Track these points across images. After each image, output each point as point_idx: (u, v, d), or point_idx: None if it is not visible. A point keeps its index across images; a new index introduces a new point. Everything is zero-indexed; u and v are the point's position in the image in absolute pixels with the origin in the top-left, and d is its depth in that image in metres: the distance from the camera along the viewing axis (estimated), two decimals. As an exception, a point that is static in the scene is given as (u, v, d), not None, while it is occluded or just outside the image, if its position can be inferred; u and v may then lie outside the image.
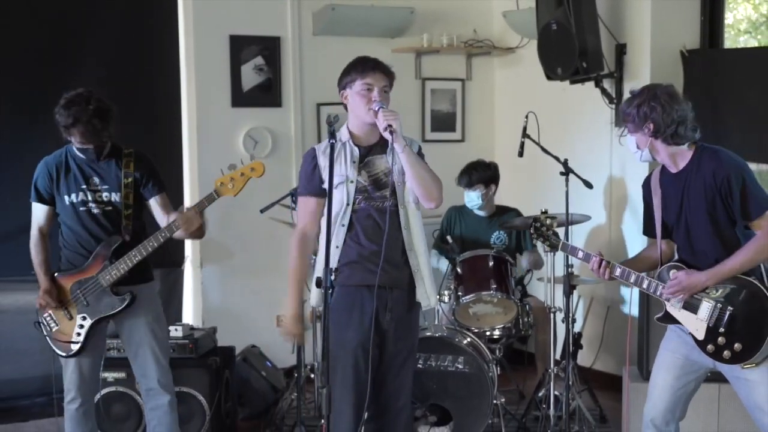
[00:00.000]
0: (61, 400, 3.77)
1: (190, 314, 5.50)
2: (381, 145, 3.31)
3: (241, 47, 5.47)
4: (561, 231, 4.47)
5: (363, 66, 3.26)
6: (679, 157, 3.21)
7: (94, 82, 4.40)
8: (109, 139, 3.66)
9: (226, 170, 3.62)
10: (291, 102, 5.61)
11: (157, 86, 5.32)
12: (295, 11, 5.60)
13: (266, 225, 4.63)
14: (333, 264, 3.03)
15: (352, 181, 3.25)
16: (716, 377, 3.36)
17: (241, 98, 5.50)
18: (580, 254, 3.44)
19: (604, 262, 3.32)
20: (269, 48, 5.54)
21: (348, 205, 3.24)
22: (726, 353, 3.11)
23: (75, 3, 5.12)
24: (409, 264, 3.32)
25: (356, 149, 3.29)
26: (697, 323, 3.17)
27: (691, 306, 3.19)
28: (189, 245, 5.37)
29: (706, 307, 3.16)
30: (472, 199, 5.04)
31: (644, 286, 3.29)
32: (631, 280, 3.29)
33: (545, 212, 3.84)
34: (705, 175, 3.12)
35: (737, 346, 3.08)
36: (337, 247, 3.24)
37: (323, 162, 3.28)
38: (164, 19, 5.35)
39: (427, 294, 3.37)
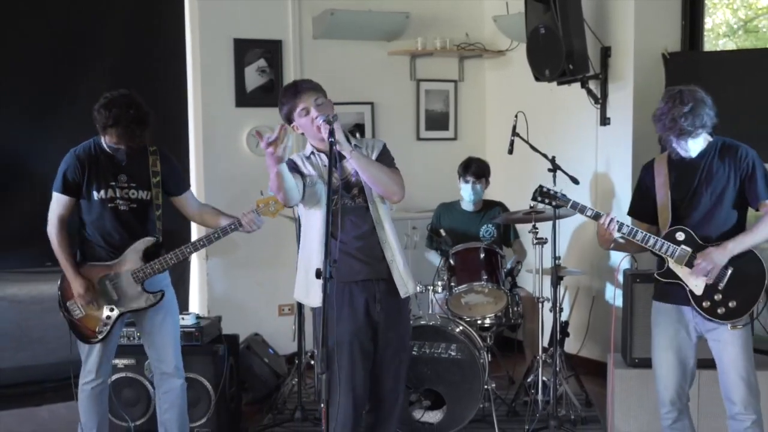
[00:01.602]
0: (74, 386, 3.79)
1: (196, 304, 5.58)
2: None
3: (244, 50, 5.55)
4: (550, 226, 4.55)
5: (287, 97, 3.38)
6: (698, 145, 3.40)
7: (102, 84, 4.44)
8: (143, 143, 3.66)
9: (267, 192, 3.59)
10: (292, 102, 5.73)
11: (164, 87, 5.37)
12: (296, 16, 5.68)
13: (269, 220, 4.74)
14: (320, 263, 2.98)
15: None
16: (701, 365, 3.56)
17: (244, 98, 5.58)
18: (589, 212, 3.48)
19: (614, 220, 3.41)
20: (271, 51, 5.62)
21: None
22: (720, 310, 3.31)
23: (82, 6, 5.16)
24: (385, 257, 3.41)
25: (323, 156, 3.40)
26: (698, 280, 3.35)
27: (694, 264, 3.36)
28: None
29: None
30: (477, 191, 5.09)
31: (650, 243, 3.39)
32: (638, 238, 3.40)
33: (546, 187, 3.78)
34: (728, 159, 3.36)
35: (732, 303, 3.29)
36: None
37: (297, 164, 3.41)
38: (171, 23, 5.42)
39: (403, 282, 3.44)
